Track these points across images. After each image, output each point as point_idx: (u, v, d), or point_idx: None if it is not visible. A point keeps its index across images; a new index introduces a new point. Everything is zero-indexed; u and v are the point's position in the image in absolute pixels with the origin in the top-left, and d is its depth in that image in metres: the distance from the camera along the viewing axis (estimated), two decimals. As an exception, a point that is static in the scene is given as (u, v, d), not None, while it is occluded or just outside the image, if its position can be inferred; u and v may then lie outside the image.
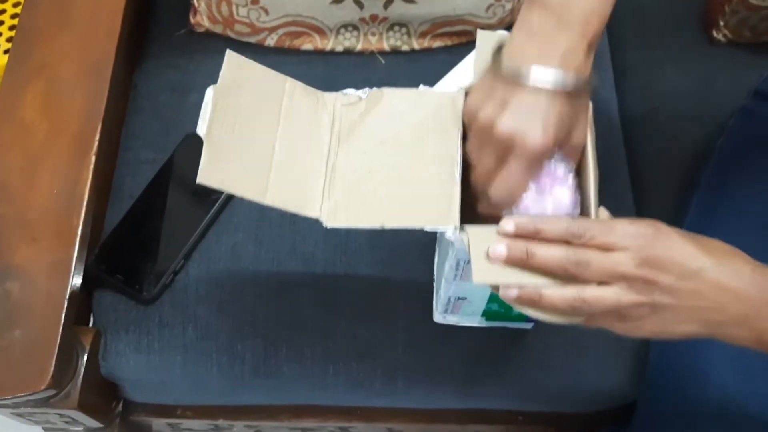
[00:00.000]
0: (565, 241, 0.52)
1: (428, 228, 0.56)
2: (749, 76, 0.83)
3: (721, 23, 0.91)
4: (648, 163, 0.88)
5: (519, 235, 0.53)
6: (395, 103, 0.62)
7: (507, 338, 0.76)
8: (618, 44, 0.95)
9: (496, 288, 0.53)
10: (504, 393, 0.79)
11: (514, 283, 0.52)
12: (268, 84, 0.61)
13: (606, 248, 0.51)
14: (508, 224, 0.53)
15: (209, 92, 0.57)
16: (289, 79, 0.62)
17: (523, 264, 0.52)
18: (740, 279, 0.51)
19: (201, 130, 0.55)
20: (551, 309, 0.52)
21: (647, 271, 0.50)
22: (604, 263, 0.51)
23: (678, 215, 0.81)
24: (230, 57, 0.59)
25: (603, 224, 0.53)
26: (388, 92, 0.62)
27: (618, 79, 0.93)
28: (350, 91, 0.63)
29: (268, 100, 0.60)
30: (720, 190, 0.79)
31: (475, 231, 0.54)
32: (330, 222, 0.57)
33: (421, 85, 0.62)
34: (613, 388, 0.78)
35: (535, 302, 0.52)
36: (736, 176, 0.79)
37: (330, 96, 0.63)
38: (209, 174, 0.54)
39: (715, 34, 0.92)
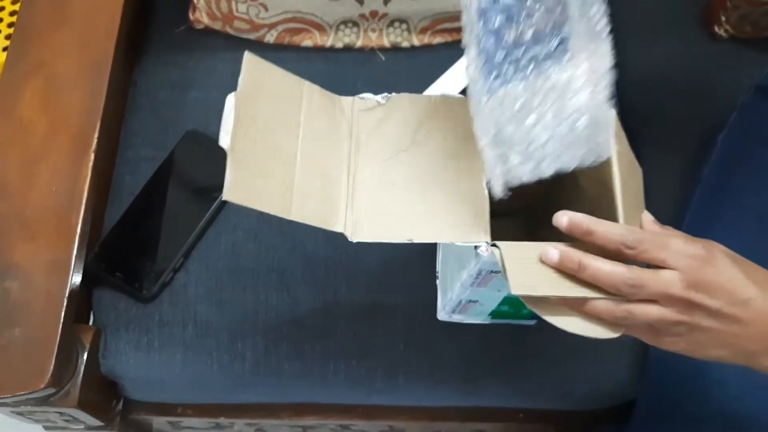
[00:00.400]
0: (616, 249, 0.51)
1: (459, 243, 0.55)
2: (751, 71, 0.83)
3: (723, 18, 0.91)
4: (649, 158, 0.88)
5: (571, 231, 0.52)
6: (415, 109, 0.60)
7: (507, 336, 0.76)
8: (618, 40, 0.94)
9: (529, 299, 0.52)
10: (504, 391, 0.79)
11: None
12: (287, 89, 0.59)
13: (656, 264, 0.51)
14: (562, 217, 0.52)
15: (230, 100, 0.55)
16: (306, 82, 0.60)
17: (572, 273, 0.52)
18: None
19: (224, 142, 0.53)
20: (593, 316, 0.52)
21: (694, 294, 0.51)
22: (658, 285, 0.51)
23: (679, 211, 0.81)
24: (249, 60, 0.56)
25: (657, 238, 0.52)
26: (407, 98, 0.61)
27: (618, 75, 0.92)
28: (368, 95, 0.61)
29: (288, 106, 0.58)
30: (721, 185, 0.79)
31: (506, 245, 0.53)
32: (355, 236, 0.55)
33: (441, 92, 0.61)
34: (613, 386, 0.78)
35: (577, 306, 0.52)
36: (738, 172, 0.79)
37: (347, 100, 0.61)
38: (235, 191, 0.52)
39: (716, 29, 0.92)
